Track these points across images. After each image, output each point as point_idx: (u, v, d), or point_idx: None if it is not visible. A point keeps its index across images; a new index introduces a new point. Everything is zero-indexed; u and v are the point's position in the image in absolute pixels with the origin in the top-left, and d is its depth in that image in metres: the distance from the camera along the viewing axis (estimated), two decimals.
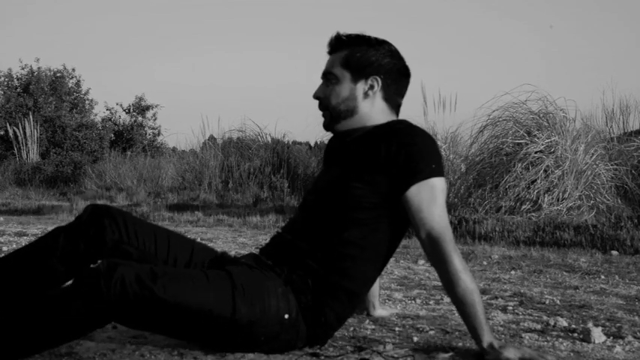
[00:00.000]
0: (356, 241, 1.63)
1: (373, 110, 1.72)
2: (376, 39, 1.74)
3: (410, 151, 1.59)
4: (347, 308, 1.66)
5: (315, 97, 1.76)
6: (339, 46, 1.74)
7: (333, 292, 1.62)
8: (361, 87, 1.71)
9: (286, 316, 1.57)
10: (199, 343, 1.61)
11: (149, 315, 1.46)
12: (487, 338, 1.55)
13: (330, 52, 1.76)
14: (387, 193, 1.62)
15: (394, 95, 1.75)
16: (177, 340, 1.64)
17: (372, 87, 1.71)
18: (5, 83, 16.57)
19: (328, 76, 1.73)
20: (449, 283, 1.58)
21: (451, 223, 4.95)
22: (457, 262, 1.57)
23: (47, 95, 16.21)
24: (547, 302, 2.44)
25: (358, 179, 1.63)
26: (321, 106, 1.75)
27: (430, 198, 1.58)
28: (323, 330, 1.64)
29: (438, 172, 1.60)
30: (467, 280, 1.56)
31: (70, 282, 1.52)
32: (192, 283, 1.51)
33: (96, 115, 17.74)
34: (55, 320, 1.42)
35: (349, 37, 1.74)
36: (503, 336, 1.88)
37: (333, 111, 1.72)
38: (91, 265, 1.57)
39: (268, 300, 1.56)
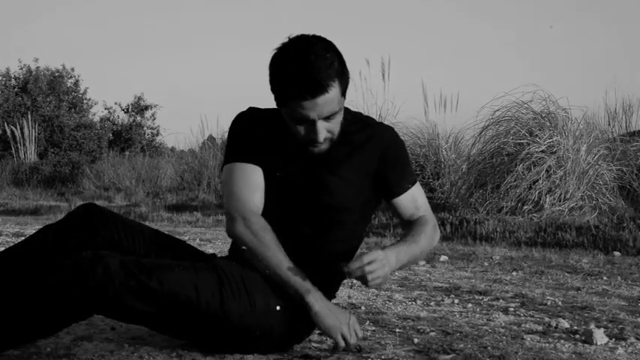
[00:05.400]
0: (331, 237, 1.65)
1: None
2: (327, 48, 1.52)
3: (402, 161, 1.69)
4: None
5: (324, 139, 1.56)
6: (330, 83, 1.49)
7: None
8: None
9: (277, 307, 1.58)
10: (191, 338, 1.60)
11: (135, 304, 1.44)
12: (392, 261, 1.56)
13: (319, 95, 1.49)
14: (369, 196, 1.68)
15: None
16: (169, 337, 1.63)
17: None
18: (3, 82, 16.54)
19: (330, 117, 1.53)
20: (415, 235, 1.65)
21: (452, 223, 5.01)
22: (430, 232, 1.68)
23: (46, 95, 16.19)
24: (549, 303, 2.42)
25: (342, 179, 1.62)
26: (328, 142, 1.59)
27: (421, 195, 1.74)
28: (311, 323, 1.63)
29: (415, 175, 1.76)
30: (424, 243, 1.65)
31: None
32: (180, 272, 1.50)
33: (94, 114, 17.77)
34: (38, 309, 1.42)
35: (330, 67, 1.49)
36: (504, 337, 1.86)
37: (335, 136, 1.59)
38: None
39: (256, 292, 1.56)
